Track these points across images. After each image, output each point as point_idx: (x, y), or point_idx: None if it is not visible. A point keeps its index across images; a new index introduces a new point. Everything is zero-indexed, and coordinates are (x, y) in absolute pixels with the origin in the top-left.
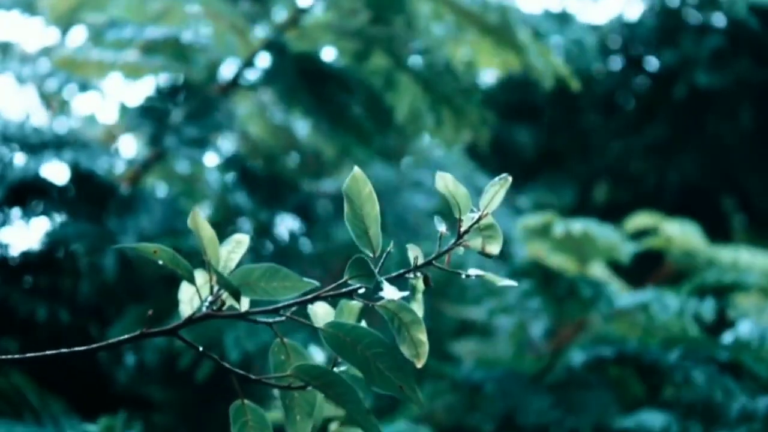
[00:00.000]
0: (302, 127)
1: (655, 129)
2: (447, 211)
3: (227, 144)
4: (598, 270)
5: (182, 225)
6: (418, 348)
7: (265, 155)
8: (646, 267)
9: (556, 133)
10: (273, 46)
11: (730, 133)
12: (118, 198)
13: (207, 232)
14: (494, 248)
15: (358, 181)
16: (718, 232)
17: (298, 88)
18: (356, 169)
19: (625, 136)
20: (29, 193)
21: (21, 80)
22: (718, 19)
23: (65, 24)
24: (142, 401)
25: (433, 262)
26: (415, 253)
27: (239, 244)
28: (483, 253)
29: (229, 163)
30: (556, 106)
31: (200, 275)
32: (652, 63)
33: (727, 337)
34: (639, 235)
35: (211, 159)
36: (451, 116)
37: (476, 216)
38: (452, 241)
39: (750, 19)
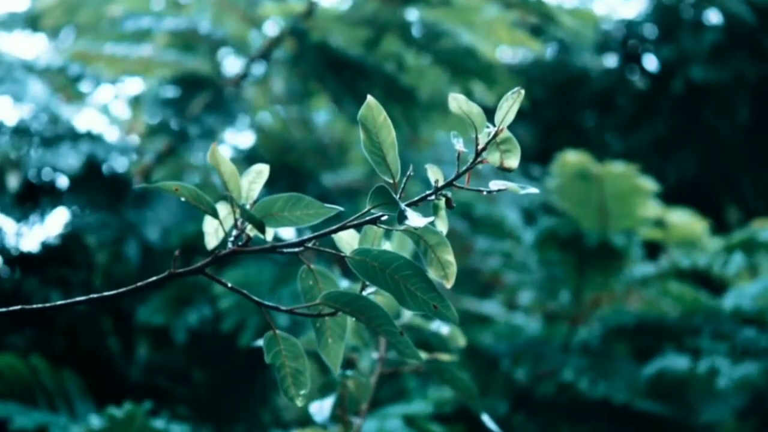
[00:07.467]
0: (317, 117)
1: (654, 126)
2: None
3: (242, 136)
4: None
5: (199, 215)
6: (446, 269)
7: (281, 147)
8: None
9: (553, 130)
10: (296, 32)
11: (726, 129)
12: (135, 190)
13: (227, 166)
14: (512, 162)
15: (372, 108)
16: (713, 227)
17: (324, 73)
18: (370, 97)
19: (623, 133)
20: (45, 185)
21: (33, 72)
22: (715, 15)
23: (63, 22)
24: (159, 393)
25: (454, 182)
26: (435, 175)
27: (259, 174)
28: (502, 168)
29: (245, 155)
30: (553, 103)
31: (223, 208)
32: (649, 60)
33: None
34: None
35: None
36: (483, 86)
37: (492, 131)
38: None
39: (746, 15)
